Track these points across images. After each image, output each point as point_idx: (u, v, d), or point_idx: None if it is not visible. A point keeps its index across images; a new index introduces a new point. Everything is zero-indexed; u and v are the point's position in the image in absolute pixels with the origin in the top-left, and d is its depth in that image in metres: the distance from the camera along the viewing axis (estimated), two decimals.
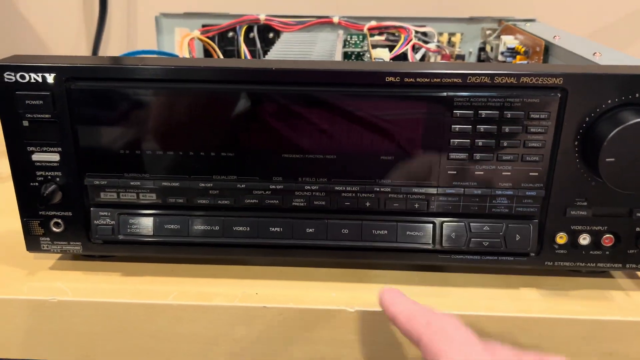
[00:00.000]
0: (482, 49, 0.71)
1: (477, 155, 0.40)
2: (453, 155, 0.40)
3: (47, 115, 0.40)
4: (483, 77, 0.38)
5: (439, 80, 0.39)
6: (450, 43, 0.70)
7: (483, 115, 0.39)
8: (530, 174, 0.41)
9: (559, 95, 0.39)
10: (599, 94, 0.38)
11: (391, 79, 0.39)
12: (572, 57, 0.50)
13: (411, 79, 0.39)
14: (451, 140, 0.40)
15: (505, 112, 0.39)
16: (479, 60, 0.71)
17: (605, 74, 0.38)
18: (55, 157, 0.42)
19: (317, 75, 0.39)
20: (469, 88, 0.39)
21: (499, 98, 0.39)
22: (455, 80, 0.39)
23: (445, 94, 0.39)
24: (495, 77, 0.38)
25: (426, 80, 0.39)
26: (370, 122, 0.40)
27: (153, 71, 0.39)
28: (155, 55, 0.64)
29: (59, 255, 0.48)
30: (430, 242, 0.43)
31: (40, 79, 0.40)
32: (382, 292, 0.37)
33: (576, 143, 0.40)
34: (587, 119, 0.39)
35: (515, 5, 0.85)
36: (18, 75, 0.39)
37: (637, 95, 0.38)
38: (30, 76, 0.39)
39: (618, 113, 0.38)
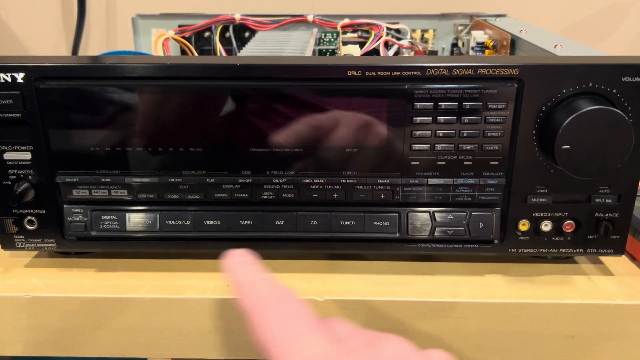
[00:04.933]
0: (454, 45, 0.72)
1: (439, 146, 0.41)
2: (415, 147, 0.41)
3: (17, 115, 0.41)
4: (442, 70, 0.40)
5: (399, 73, 0.40)
6: (423, 39, 0.72)
7: (443, 107, 0.40)
8: (491, 163, 0.42)
9: (516, 85, 0.40)
10: (554, 83, 0.40)
11: (353, 72, 0.40)
12: (535, 50, 0.51)
13: (372, 73, 0.40)
14: (413, 132, 0.41)
15: (464, 103, 0.40)
16: (452, 55, 0.72)
17: (560, 64, 0.40)
18: (27, 156, 0.42)
19: (281, 70, 0.40)
20: (429, 80, 0.40)
21: (458, 89, 0.40)
22: (415, 72, 0.40)
23: (405, 86, 0.40)
24: (454, 69, 0.40)
25: (387, 73, 0.40)
26: (334, 115, 0.41)
27: (119, 69, 0.40)
28: (127, 55, 0.64)
29: (35, 253, 0.48)
30: (397, 231, 0.44)
31: (9, 79, 0.40)
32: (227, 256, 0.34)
33: (534, 132, 0.41)
34: (544, 108, 0.40)
35: (491, 2, 0.87)
36: None
37: (590, 84, 0.39)
38: None
39: (573, 102, 0.40)
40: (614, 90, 0.39)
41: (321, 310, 0.43)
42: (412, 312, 0.43)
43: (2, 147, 0.42)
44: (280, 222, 0.44)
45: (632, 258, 0.47)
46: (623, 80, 0.39)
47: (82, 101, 0.41)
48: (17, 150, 0.42)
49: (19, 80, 0.40)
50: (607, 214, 0.43)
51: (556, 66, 0.39)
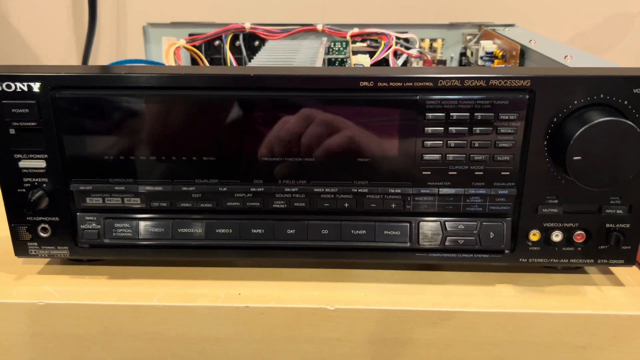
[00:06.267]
0: (463, 54, 0.72)
1: (450, 156, 0.42)
2: (427, 157, 0.42)
3: (33, 123, 0.42)
4: (453, 81, 0.40)
5: (411, 84, 0.40)
6: (432, 49, 0.72)
7: (454, 117, 0.40)
8: (502, 173, 0.42)
9: (527, 96, 0.40)
10: (565, 95, 0.40)
11: (365, 83, 0.40)
12: (545, 60, 0.51)
13: (384, 83, 0.40)
14: (424, 142, 0.41)
15: (475, 114, 0.40)
16: (461, 64, 0.72)
17: (572, 76, 0.40)
18: (42, 164, 0.43)
19: (294, 81, 0.41)
20: (440, 91, 0.40)
21: (469, 100, 0.40)
22: (427, 83, 0.40)
23: (417, 97, 0.40)
24: (465, 80, 0.40)
25: (399, 84, 0.40)
26: (346, 125, 0.41)
27: (133, 79, 0.40)
28: (140, 64, 0.65)
29: (47, 260, 0.49)
30: (408, 241, 0.44)
31: (26, 88, 0.41)
32: None
33: (545, 142, 0.41)
34: (555, 119, 0.40)
35: (499, 11, 0.87)
36: (4, 84, 0.41)
37: (602, 95, 0.40)
38: (16, 85, 0.41)
39: (584, 113, 0.40)
40: (625, 102, 0.40)
41: (332, 319, 0.43)
42: (423, 322, 0.43)
43: (18, 155, 0.42)
44: (291, 231, 0.44)
45: None
46: (634, 91, 0.39)
47: (96, 110, 0.41)
48: (32, 158, 0.43)
49: (35, 89, 0.41)
50: (618, 225, 0.43)
51: (567, 77, 0.40)
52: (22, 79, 0.40)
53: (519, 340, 0.43)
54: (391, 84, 0.40)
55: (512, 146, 0.41)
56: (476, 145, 0.41)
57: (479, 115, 0.40)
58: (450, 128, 0.41)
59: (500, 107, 0.40)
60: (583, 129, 0.38)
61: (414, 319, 0.43)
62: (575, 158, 0.39)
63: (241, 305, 0.43)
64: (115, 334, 0.44)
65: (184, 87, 0.41)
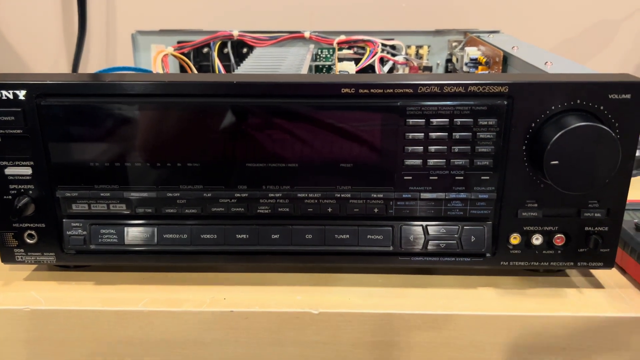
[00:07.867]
0: (449, 61, 0.73)
1: (431, 161, 0.42)
2: (408, 162, 0.42)
3: (18, 131, 0.42)
4: (433, 87, 0.41)
5: (391, 90, 0.41)
6: (418, 55, 0.73)
7: (434, 123, 0.41)
8: (482, 177, 0.43)
9: (505, 102, 0.41)
10: (543, 100, 0.41)
11: (347, 90, 0.41)
12: (526, 67, 0.52)
13: (365, 90, 0.41)
14: (405, 147, 0.42)
15: (455, 120, 0.41)
16: (447, 71, 0.73)
17: (549, 82, 0.41)
18: (28, 171, 0.43)
19: (277, 88, 0.41)
20: (420, 97, 0.41)
21: (449, 106, 0.41)
22: (407, 90, 0.41)
23: (398, 103, 0.41)
24: (445, 87, 0.41)
25: (380, 91, 0.41)
26: (329, 131, 0.42)
27: (118, 87, 0.41)
28: (126, 72, 0.65)
29: (34, 266, 0.49)
30: (390, 245, 0.45)
31: (11, 96, 0.41)
32: None
33: (524, 147, 0.42)
34: (533, 124, 0.41)
35: (486, 18, 0.88)
36: None
37: (578, 101, 0.40)
38: (2, 93, 0.41)
39: (561, 118, 0.41)
40: (601, 107, 0.40)
41: (316, 323, 0.43)
42: (406, 325, 0.43)
43: (3, 163, 0.43)
44: (275, 236, 0.45)
45: (622, 271, 0.48)
46: (610, 97, 0.40)
47: (82, 118, 0.42)
48: (18, 165, 0.43)
49: (21, 97, 0.41)
50: (596, 228, 0.44)
51: (545, 84, 0.40)
52: (7, 87, 0.41)
53: (500, 342, 0.43)
54: (372, 90, 0.41)
55: (491, 151, 0.42)
56: (456, 150, 0.42)
57: (458, 121, 0.41)
58: (430, 134, 0.41)
59: (479, 113, 0.41)
60: (560, 134, 0.39)
61: (398, 322, 0.43)
62: (552, 162, 0.40)
63: (226, 310, 0.43)
64: (101, 339, 0.44)
65: (170, 95, 0.42)
